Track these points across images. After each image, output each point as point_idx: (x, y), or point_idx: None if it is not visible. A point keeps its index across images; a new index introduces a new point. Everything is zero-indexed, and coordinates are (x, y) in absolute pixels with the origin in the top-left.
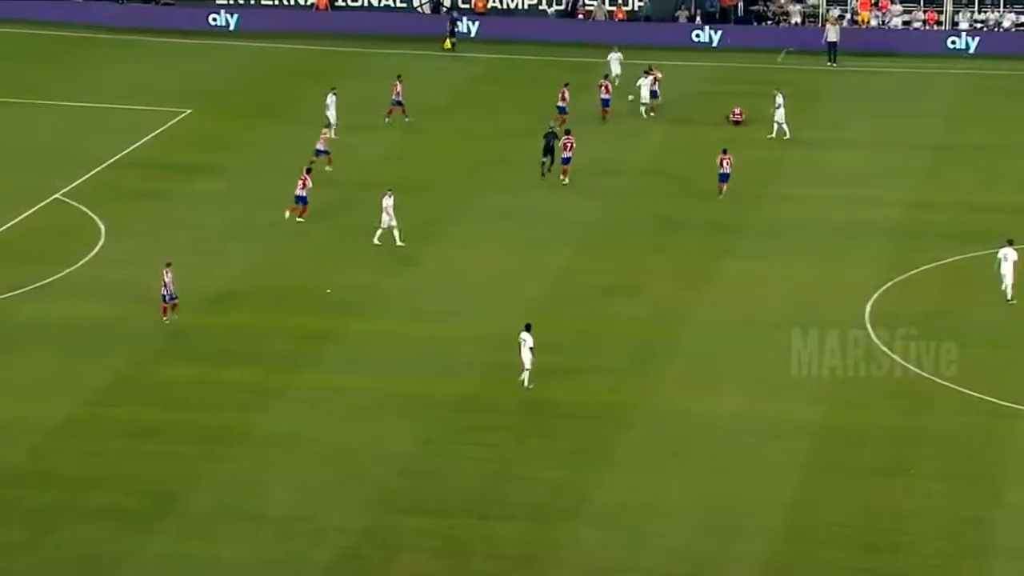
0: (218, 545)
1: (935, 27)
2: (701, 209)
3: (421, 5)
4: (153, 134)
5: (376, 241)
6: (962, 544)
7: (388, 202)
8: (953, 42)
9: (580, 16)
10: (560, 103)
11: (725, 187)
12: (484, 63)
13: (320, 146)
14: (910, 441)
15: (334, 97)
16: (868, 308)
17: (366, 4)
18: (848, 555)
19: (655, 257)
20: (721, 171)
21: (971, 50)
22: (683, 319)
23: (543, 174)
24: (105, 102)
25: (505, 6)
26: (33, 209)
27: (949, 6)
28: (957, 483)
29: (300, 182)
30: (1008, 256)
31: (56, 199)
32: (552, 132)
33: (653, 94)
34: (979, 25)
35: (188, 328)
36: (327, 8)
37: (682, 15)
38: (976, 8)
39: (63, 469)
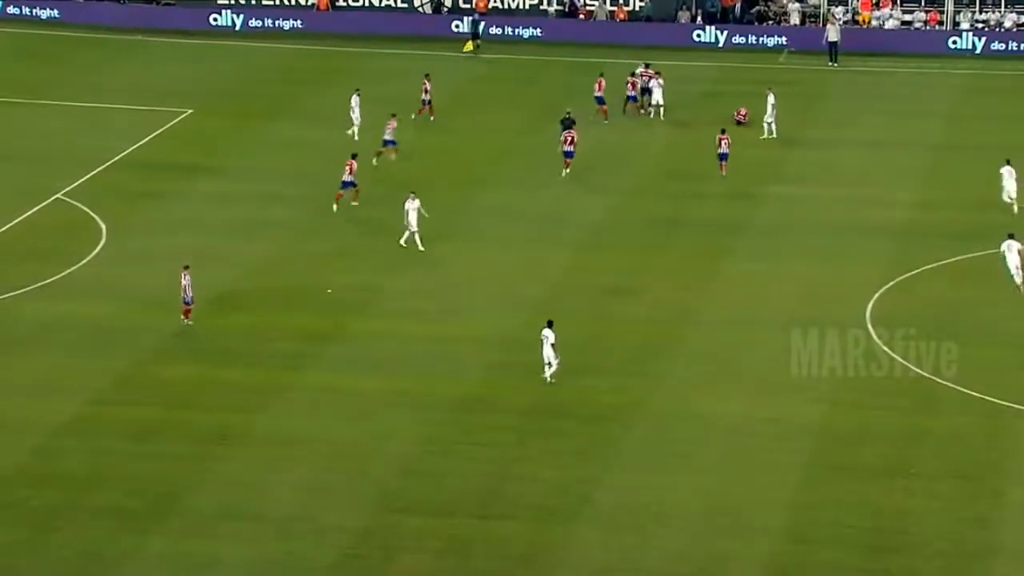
0: (219, 545)
1: (936, 27)
2: (702, 209)
3: (422, 5)
4: (154, 134)
5: (402, 243)
6: (964, 544)
7: (412, 205)
8: (954, 42)
9: (581, 16)
10: (597, 92)
11: (726, 166)
12: (485, 63)
13: (388, 136)
14: (911, 441)
15: (358, 98)
16: (869, 308)
17: (367, 4)
18: (850, 555)
19: (656, 257)
20: (720, 151)
21: (973, 50)
22: (684, 319)
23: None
24: (106, 102)
25: (506, 6)
26: (34, 209)
27: (950, 6)
28: (958, 483)
29: (347, 168)
30: (1012, 247)
31: (57, 199)
32: (569, 117)
33: (646, 92)
34: (980, 25)
35: (189, 328)
36: (327, 8)
37: (683, 15)
38: (977, 8)
39: (64, 469)
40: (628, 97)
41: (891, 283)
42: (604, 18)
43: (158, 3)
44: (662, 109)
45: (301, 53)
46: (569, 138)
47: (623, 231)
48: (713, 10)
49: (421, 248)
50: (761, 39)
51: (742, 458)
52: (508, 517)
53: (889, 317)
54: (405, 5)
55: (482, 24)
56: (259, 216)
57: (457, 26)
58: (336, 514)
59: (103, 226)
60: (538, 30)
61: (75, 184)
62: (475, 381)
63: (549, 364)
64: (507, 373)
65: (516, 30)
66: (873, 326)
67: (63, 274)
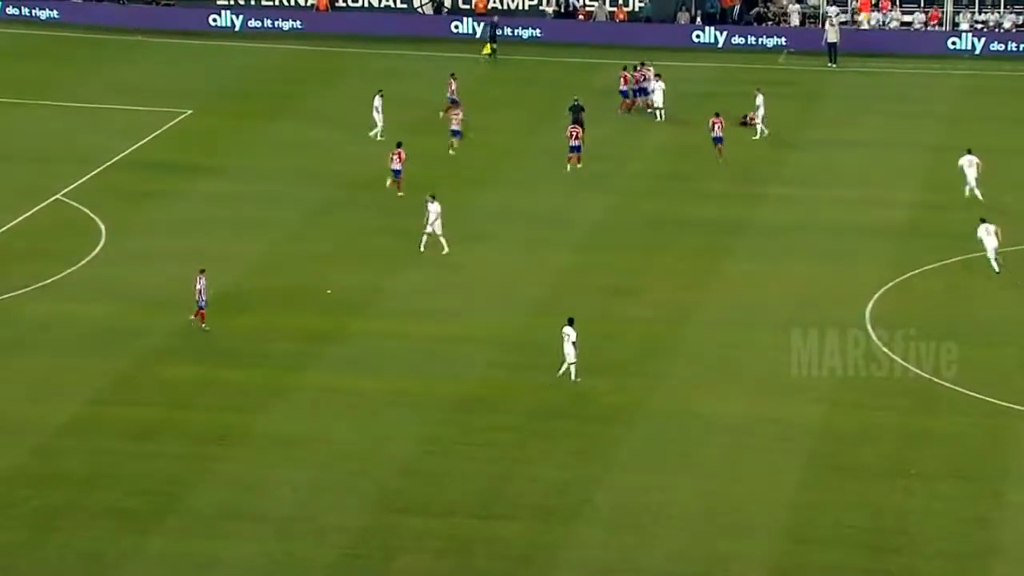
0: (219, 545)
1: (935, 28)
2: (702, 209)
3: (422, 6)
4: (154, 134)
5: (421, 248)
6: (964, 544)
7: (433, 208)
8: (954, 43)
9: (581, 17)
10: (622, 87)
11: (722, 149)
12: (484, 63)
13: (454, 126)
14: (911, 441)
15: (380, 99)
16: (869, 308)
17: (366, 4)
18: (850, 555)
19: (656, 257)
20: (714, 135)
21: (972, 51)
22: (685, 319)
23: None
24: (106, 102)
25: (505, 6)
26: (34, 209)
27: (949, 7)
28: (958, 483)
29: (395, 156)
30: (989, 230)
31: (57, 199)
32: (577, 103)
33: (642, 91)
34: (980, 26)
35: (190, 328)
36: (327, 8)
37: (683, 16)
38: (976, 9)
39: (65, 469)
40: (620, 92)
41: (891, 283)
42: (604, 19)
43: (158, 3)
44: (663, 112)
45: (301, 53)
46: (575, 132)
47: (623, 231)
48: (712, 11)
49: (446, 250)
50: (760, 40)
51: (742, 458)
52: (508, 517)
53: (889, 317)
54: (405, 5)
55: (498, 29)
56: (259, 216)
57: (456, 27)
58: (336, 514)
59: (103, 226)
60: (538, 31)
61: (75, 184)
62: (475, 381)
63: (571, 362)
64: (508, 373)
65: (516, 31)
66: (873, 326)
67: (63, 274)
